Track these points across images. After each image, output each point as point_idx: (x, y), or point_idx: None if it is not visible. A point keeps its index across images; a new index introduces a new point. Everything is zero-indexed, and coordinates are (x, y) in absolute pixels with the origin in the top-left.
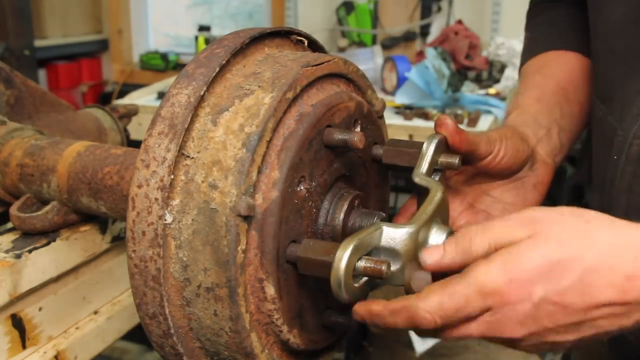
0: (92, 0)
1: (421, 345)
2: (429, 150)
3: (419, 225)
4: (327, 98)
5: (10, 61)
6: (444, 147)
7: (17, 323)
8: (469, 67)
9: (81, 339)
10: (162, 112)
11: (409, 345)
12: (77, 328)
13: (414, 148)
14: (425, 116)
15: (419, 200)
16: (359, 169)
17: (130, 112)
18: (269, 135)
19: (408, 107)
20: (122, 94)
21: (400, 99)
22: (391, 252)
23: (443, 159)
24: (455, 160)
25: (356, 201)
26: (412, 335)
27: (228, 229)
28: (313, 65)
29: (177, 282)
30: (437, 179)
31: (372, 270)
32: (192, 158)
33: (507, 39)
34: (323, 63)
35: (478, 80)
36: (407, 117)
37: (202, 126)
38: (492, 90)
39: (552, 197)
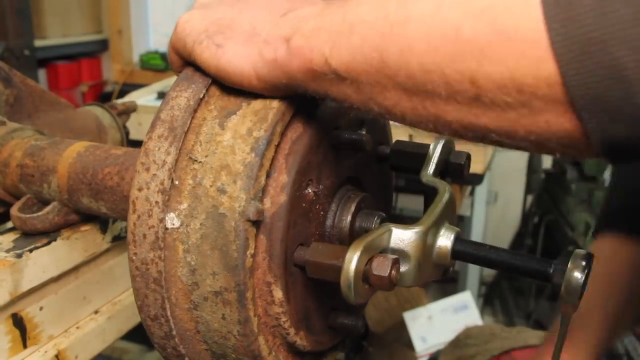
0: (92, 0)
1: (421, 345)
2: (436, 151)
3: (428, 226)
4: None
5: (10, 61)
6: (450, 148)
7: (18, 322)
8: None
9: (82, 339)
10: (162, 115)
11: (409, 345)
12: (77, 327)
13: (421, 150)
14: None
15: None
16: (365, 171)
17: (129, 109)
18: (277, 140)
19: None
20: (122, 93)
21: None
22: (400, 254)
23: (450, 160)
24: (462, 160)
25: (363, 203)
26: (412, 335)
27: (237, 234)
28: None
29: (185, 285)
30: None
31: None
32: (200, 162)
33: None
34: None
35: None
36: None
37: (210, 130)
38: None
39: (554, 199)
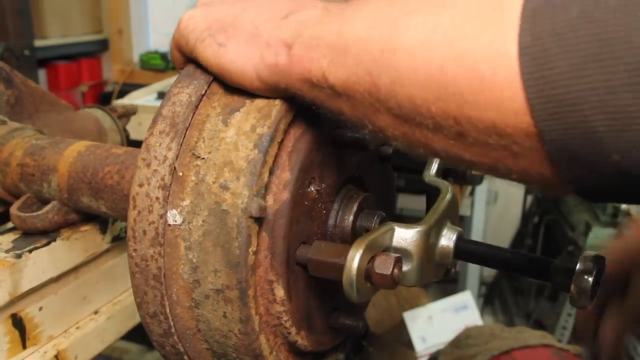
0: (92, 0)
1: (421, 345)
2: None
3: (430, 225)
4: None
5: (10, 61)
6: None
7: (18, 323)
8: None
9: (81, 339)
10: (164, 111)
11: (409, 345)
12: (77, 328)
13: None
14: None
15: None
16: (367, 170)
17: (129, 112)
18: (280, 137)
19: None
20: (122, 94)
21: None
22: (402, 252)
23: None
24: None
25: (365, 203)
26: (412, 335)
27: (239, 231)
28: None
29: (186, 283)
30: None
31: None
32: (203, 159)
33: None
34: None
35: None
36: None
37: (213, 126)
38: None
39: (554, 199)
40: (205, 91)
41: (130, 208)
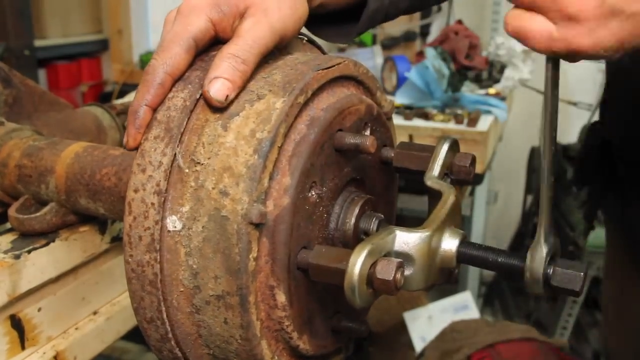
0: (92, 0)
1: (421, 345)
2: (442, 152)
3: (433, 230)
4: (338, 102)
5: (10, 61)
6: (456, 149)
7: (16, 324)
8: (469, 67)
9: (80, 340)
10: (158, 115)
11: (409, 345)
12: (76, 328)
13: (426, 152)
14: (425, 116)
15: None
16: (368, 173)
17: (128, 109)
18: (280, 141)
19: (408, 107)
20: (122, 93)
21: (400, 99)
22: (405, 257)
23: (456, 162)
24: (467, 162)
25: (367, 205)
26: (412, 335)
27: (239, 237)
28: (324, 69)
29: (187, 289)
30: (448, 181)
31: None
32: (203, 164)
33: (507, 39)
34: (334, 66)
35: (478, 80)
36: (407, 117)
37: (212, 131)
38: (492, 90)
39: (554, 199)
40: (200, 95)
41: (125, 214)
